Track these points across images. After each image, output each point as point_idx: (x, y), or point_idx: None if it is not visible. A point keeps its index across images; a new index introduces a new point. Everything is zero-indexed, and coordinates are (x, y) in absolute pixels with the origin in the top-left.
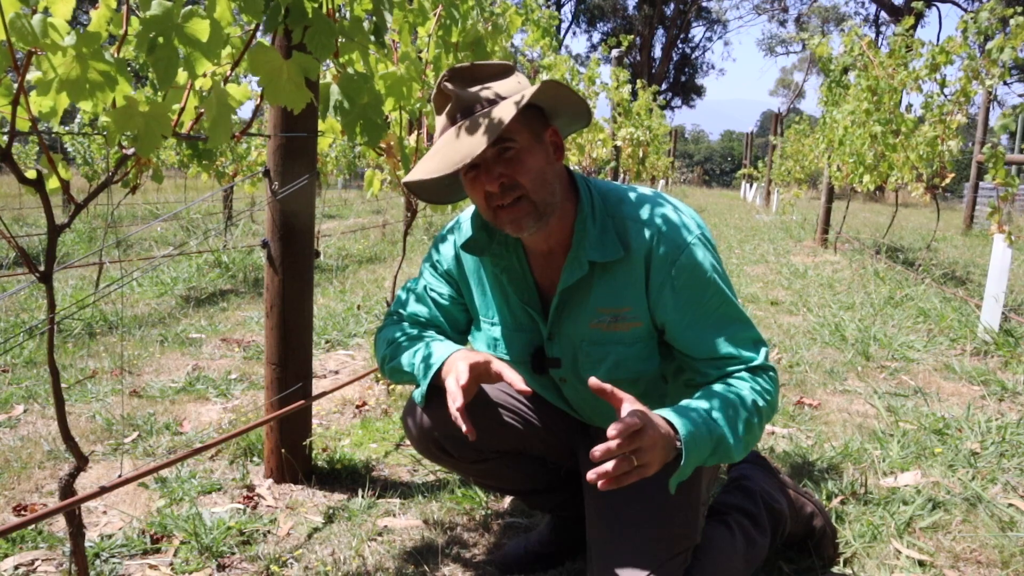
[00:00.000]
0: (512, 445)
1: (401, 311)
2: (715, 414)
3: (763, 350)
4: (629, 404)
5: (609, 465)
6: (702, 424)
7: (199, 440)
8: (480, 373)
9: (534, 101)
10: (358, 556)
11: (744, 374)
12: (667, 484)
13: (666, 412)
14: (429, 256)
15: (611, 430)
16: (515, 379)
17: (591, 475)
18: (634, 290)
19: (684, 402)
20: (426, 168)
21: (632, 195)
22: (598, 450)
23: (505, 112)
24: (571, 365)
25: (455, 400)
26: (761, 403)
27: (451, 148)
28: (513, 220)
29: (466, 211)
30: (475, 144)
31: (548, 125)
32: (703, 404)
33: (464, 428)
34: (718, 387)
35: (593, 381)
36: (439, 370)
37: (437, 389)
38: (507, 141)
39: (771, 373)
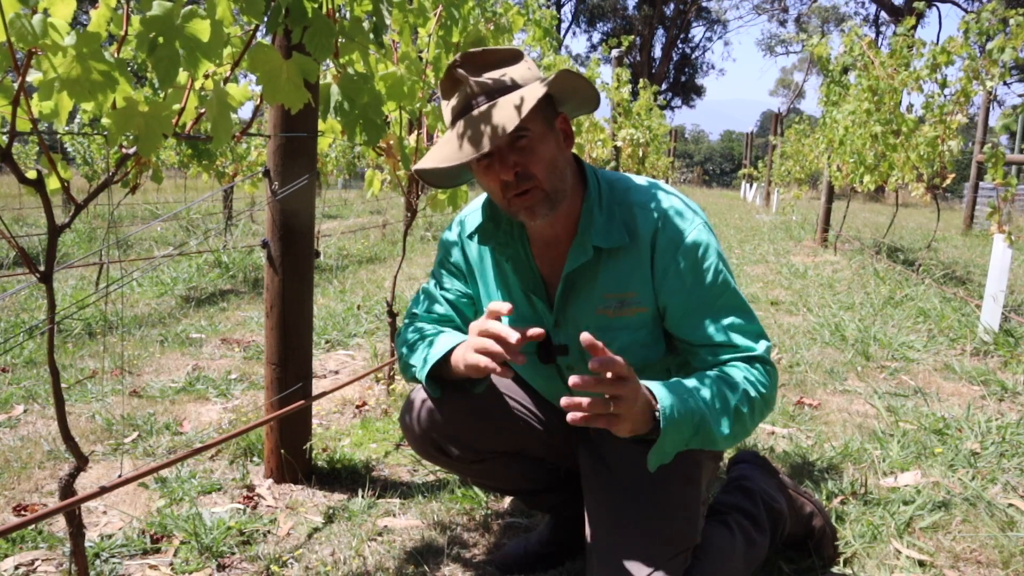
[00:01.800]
0: (511, 446)
1: (416, 311)
2: (701, 395)
3: (764, 343)
4: (618, 359)
5: (585, 400)
6: (685, 402)
7: (199, 440)
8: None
9: (556, 84)
10: (358, 556)
11: (740, 363)
12: (666, 484)
13: (650, 383)
14: (439, 253)
15: (593, 362)
16: (529, 331)
17: (564, 401)
18: (640, 275)
19: (671, 380)
20: (440, 156)
21: (639, 184)
22: (578, 378)
23: (524, 103)
24: (579, 352)
25: (511, 337)
26: (753, 393)
27: (467, 138)
28: (527, 208)
29: (468, 208)
30: (493, 134)
31: (557, 112)
32: (690, 384)
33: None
34: (710, 372)
35: (585, 336)
36: (446, 361)
37: (440, 388)
38: (521, 130)
39: (769, 367)
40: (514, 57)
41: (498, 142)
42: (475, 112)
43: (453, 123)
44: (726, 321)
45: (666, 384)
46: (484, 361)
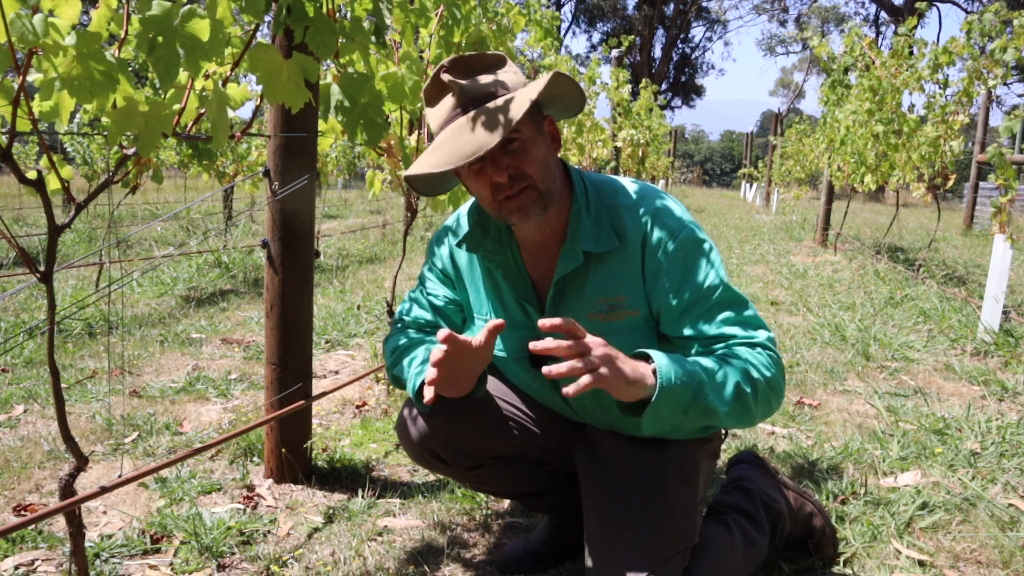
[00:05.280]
0: (508, 450)
1: (404, 318)
2: (700, 364)
3: (764, 332)
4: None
5: (564, 366)
6: (683, 366)
7: (199, 440)
8: (456, 346)
9: (547, 90)
10: (358, 556)
11: (743, 347)
12: (663, 483)
13: (647, 349)
14: (427, 259)
15: (543, 322)
16: (490, 324)
17: (546, 369)
18: (631, 278)
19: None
20: (431, 161)
21: (626, 186)
22: (545, 322)
23: (516, 106)
24: None
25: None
26: (756, 375)
27: (460, 141)
28: (520, 208)
29: (459, 209)
30: (487, 138)
31: (544, 116)
32: (691, 356)
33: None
34: (712, 350)
35: (543, 322)
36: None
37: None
38: (513, 132)
39: (772, 353)
40: (499, 62)
41: (491, 146)
42: (465, 116)
43: (443, 127)
44: (723, 316)
45: (664, 351)
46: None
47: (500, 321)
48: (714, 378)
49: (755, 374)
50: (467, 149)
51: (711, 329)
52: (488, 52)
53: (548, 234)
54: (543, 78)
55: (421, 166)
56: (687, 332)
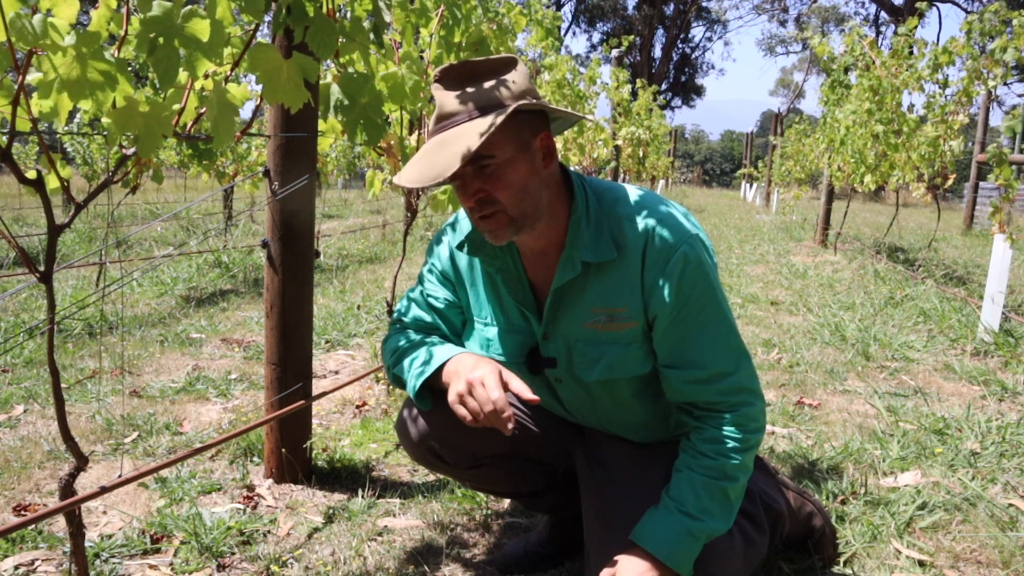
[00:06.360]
0: (507, 449)
1: (403, 318)
2: (687, 509)
3: (744, 363)
4: None
5: None
6: (683, 534)
7: (199, 440)
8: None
9: (525, 108)
10: (358, 556)
11: (721, 427)
12: (661, 483)
13: (647, 543)
14: (426, 260)
15: None
16: (522, 389)
17: None
18: (629, 289)
19: (659, 511)
20: (408, 176)
21: (628, 195)
22: None
23: (477, 133)
24: (566, 365)
25: (502, 410)
26: (736, 461)
27: (428, 162)
28: (491, 230)
29: (459, 210)
30: (449, 162)
31: (542, 128)
32: (686, 502)
33: (508, 428)
34: (697, 470)
35: None
36: (439, 371)
37: (435, 394)
38: (485, 158)
39: (745, 407)
40: (496, 70)
41: (450, 172)
42: (441, 136)
43: (429, 138)
44: (704, 340)
45: (652, 529)
46: (469, 419)
47: (537, 399)
48: (711, 510)
49: (736, 460)
50: (432, 171)
51: (690, 355)
52: (492, 56)
53: (547, 242)
54: (508, 109)
55: (401, 178)
56: (667, 351)
